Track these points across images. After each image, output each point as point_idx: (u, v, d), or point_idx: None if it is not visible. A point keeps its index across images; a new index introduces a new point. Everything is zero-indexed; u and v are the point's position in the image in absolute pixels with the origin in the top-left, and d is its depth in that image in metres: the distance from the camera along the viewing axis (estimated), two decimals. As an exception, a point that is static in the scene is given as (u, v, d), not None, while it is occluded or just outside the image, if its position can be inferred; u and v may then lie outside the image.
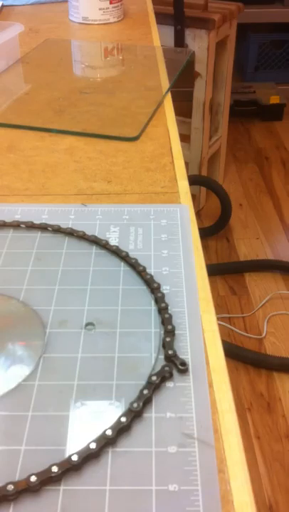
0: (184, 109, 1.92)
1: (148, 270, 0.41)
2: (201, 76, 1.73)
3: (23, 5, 1.11)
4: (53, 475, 0.28)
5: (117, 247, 0.43)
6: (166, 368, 0.33)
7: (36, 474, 0.28)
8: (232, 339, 1.52)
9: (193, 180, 1.82)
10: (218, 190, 1.79)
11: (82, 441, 0.30)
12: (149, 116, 0.63)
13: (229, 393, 0.32)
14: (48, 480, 0.28)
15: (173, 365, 0.34)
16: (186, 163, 1.90)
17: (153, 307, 0.38)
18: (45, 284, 0.40)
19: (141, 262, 0.42)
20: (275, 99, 2.57)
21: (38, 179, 0.53)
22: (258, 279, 1.72)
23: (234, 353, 1.43)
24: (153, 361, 0.34)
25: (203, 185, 1.86)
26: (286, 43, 2.65)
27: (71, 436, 0.30)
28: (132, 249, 0.44)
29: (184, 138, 1.87)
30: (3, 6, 1.08)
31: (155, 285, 0.39)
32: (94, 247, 0.44)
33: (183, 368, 0.33)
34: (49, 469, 0.28)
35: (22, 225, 0.46)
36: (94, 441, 0.29)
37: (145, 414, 0.31)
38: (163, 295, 0.39)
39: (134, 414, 0.31)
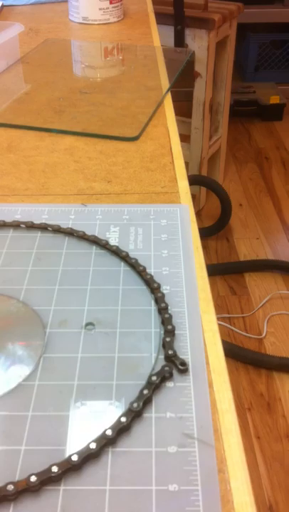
0: (183, 109, 1.92)
1: (148, 270, 0.41)
2: (201, 76, 1.73)
3: (23, 5, 1.11)
4: (53, 475, 0.28)
5: (117, 247, 0.43)
6: (166, 368, 0.33)
7: (36, 474, 0.28)
8: (232, 339, 1.52)
9: (193, 180, 1.82)
10: (218, 190, 1.79)
11: (82, 441, 0.30)
12: (149, 116, 0.63)
13: (229, 393, 0.32)
14: (48, 480, 0.28)
15: (173, 365, 0.34)
16: (186, 163, 1.90)
17: (153, 307, 0.38)
18: (45, 284, 0.40)
19: (141, 262, 0.42)
20: (275, 99, 2.57)
21: (38, 179, 0.53)
22: (258, 279, 1.72)
23: (234, 353, 1.43)
24: (153, 361, 0.34)
25: (203, 185, 1.86)
26: (286, 43, 2.65)
27: (71, 436, 0.30)
28: (132, 249, 0.44)
29: (184, 138, 1.87)
30: (3, 6, 1.08)
31: (155, 285, 0.39)
32: (94, 247, 0.44)
33: (183, 368, 0.33)
34: (49, 469, 0.28)
35: (22, 225, 0.46)
36: (94, 441, 0.29)
37: (145, 414, 0.31)
38: (163, 295, 0.39)
39: (134, 414, 0.31)
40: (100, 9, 0.99)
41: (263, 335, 1.52)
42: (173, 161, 0.55)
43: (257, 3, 2.45)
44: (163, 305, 0.38)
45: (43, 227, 0.46)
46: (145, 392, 0.32)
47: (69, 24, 1.00)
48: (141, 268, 0.41)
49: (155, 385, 0.32)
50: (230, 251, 1.84)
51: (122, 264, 0.42)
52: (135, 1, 1.15)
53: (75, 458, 0.28)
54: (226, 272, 1.74)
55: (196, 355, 0.35)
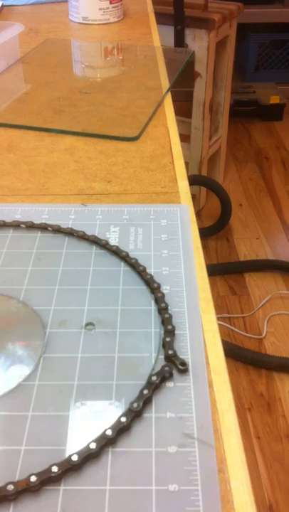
0: (183, 109, 1.92)
1: (148, 270, 0.41)
2: (201, 76, 1.73)
3: (23, 5, 1.11)
4: (53, 475, 0.28)
5: (117, 247, 0.43)
6: (166, 368, 0.33)
7: (36, 474, 0.28)
8: (232, 339, 1.52)
9: (193, 180, 1.82)
10: (218, 190, 1.79)
11: (82, 441, 0.30)
12: (149, 116, 0.63)
13: (229, 393, 0.32)
14: (48, 480, 0.28)
15: (173, 365, 0.34)
16: (186, 163, 1.90)
17: (153, 307, 0.38)
18: (45, 284, 0.40)
19: (141, 262, 0.42)
20: (275, 99, 2.57)
21: (38, 179, 0.53)
22: (258, 279, 1.72)
23: (234, 353, 1.43)
24: (153, 361, 0.34)
25: (203, 185, 1.86)
26: (286, 43, 2.65)
27: (71, 436, 0.30)
28: (132, 249, 0.44)
29: (184, 138, 1.87)
30: (3, 6, 1.07)
31: (155, 285, 0.39)
32: (94, 247, 0.44)
33: (183, 368, 0.33)
34: (49, 469, 0.28)
35: (22, 225, 0.46)
36: (94, 441, 0.29)
37: (145, 414, 0.31)
38: (163, 295, 0.39)
39: (134, 414, 0.31)
40: (100, 9, 0.99)
41: (263, 335, 1.52)
42: (173, 161, 0.55)
43: (257, 3, 2.45)
44: (163, 305, 0.38)
45: (43, 227, 0.46)
46: (145, 392, 0.32)
47: (69, 24, 1.00)
48: (141, 268, 0.41)
49: (155, 385, 0.32)
50: (230, 251, 1.84)
51: (122, 264, 0.42)
52: (135, 1, 1.15)
53: (75, 458, 0.28)
54: (226, 272, 1.74)
55: (196, 355, 0.35)
